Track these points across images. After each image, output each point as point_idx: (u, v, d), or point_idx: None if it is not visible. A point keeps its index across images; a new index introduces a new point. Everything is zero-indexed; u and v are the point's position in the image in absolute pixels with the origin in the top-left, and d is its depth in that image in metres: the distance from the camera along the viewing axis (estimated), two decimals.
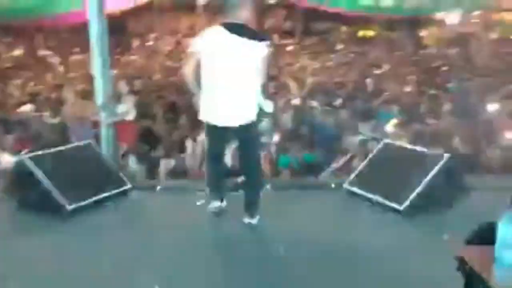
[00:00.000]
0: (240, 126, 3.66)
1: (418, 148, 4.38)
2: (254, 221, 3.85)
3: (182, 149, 6.50)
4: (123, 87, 6.74)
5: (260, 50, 3.63)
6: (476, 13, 21.12)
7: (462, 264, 1.65)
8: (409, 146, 4.49)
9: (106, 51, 5.17)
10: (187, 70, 3.74)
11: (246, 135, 3.76)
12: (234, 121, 3.66)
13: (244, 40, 3.57)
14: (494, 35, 22.71)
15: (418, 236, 3.70)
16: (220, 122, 3.70)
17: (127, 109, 6.31)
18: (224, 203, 4.07)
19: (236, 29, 3.59)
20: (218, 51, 3.60)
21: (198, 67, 3.67)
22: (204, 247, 3.58)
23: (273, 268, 3.24)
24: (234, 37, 3.57)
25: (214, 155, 4.00)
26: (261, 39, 3.69)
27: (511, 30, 23.05)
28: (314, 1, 15.19)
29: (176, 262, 3.32)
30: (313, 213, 4.16)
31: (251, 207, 3.86)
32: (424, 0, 13.15)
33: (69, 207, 3.97)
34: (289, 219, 4.03)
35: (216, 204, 4.04)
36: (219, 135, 3.84)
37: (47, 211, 3.93)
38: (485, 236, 1.62)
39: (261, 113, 3.85)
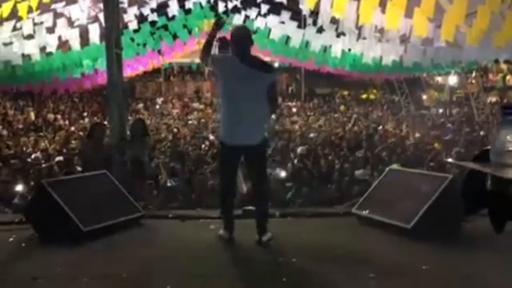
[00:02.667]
0: (254, 145, 3.96)
1: (422, 171, 4.52)
2: (266, 237, 4.01)
3: None
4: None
5: (268, 78, 4.00)
6: (474, 74, 21.87)
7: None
8: (413, 170, 4.63)
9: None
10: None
11: (258, 155, 4.06)
12: (248, 140, 3.94)
13: (254, 69, 3.95)
14: (492, 98, 23.40)
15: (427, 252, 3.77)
16: (236, 142, 3.98)
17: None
18: (233, 232, 4.18)
19: (247, 59, 3.98)
20: (231, 77, 3.97)
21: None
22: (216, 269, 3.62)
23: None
24: (246, 66, 3.94)
25: (228, 176, 4.21)
26: (269, 68, 4.14)
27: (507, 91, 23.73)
28: (320, 63, 15.78)
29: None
30: (325, 237, 4.24)
31: (263, 222, 4.06)
32: (422, 59, 13.54)
33: (85, 229, 4.07)
34: (302, 242, 4.09)
35: (225, 233, 4.19)
36: (232, 155, 4.10)
37: (63, 232, 4.02)
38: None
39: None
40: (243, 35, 4.08)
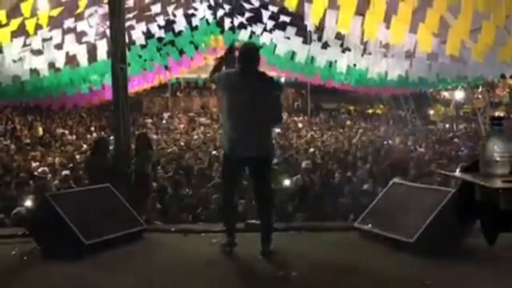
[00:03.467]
0: (257, 157, 4.01)
1: (425, 186, 4.49)
2: (270, 248, 4.05)
3: None
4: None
5: (272, 91, 4.13)
6: (480, 89, 21.80)
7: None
8: (416, 184, 4.60)
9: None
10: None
11: (261, 167, 4.10)
12: (251, 152, 3.99)
13: (258, 82, 4.06)
14: (500, 113, 23.28)
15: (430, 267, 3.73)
16: (239, 153, 4.02)
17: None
18: (235, 245, 4.20)
19: (252, 73, 4.09)
20: (235, 91, 4.06)
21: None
22: (217, 282, 3.60)
23: None
24: (250, 79, 4.04)
25: (230, 188, 4.26)
26: (273, 82, 4.26)
27: None
28: (325, 78, 15.85)
29: None
30: (327, 250, 4.22)
31: (268, 234, 4.10)
32: (427, 74, 13.55)
33: (87, 243, 4.08)
34: (303, 256, 4.08)
35: (227, 246, 4.20)
36: (235, 167, 4.15)
37: (65, 246, 4.03)
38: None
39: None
40: (250, 51, 4.19)
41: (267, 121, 4.08)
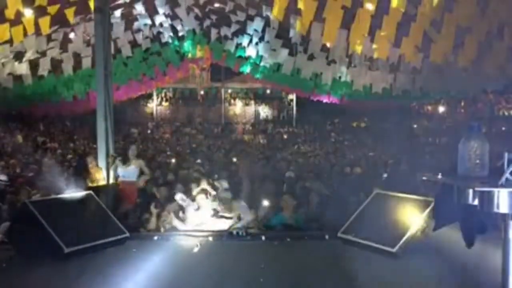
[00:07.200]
0: None
1: (407, 195, 4.52)
2: None
3: None
4: (132, 151, 6.99)
5: None
6: (462, 104, 22.18)
7: None
8: (399, 194, 4.61)
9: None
10: None
11: None
12: None
13: None
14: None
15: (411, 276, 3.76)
16: None
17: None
18: None
19: None
20: None
21: None
22: None
23: None
24: None
25: None
26: None
27: None
28: (310, 90, 15.96)
29: None
30: (311, 260, 4.22)
31: None
32: (411, 87, 13.77)
33: (67, 250, 4.02)
34: (286, 264, 4.08)
35: None
36: None
37: (45, 252, 3.97)
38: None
39: None
40: None
41: None
